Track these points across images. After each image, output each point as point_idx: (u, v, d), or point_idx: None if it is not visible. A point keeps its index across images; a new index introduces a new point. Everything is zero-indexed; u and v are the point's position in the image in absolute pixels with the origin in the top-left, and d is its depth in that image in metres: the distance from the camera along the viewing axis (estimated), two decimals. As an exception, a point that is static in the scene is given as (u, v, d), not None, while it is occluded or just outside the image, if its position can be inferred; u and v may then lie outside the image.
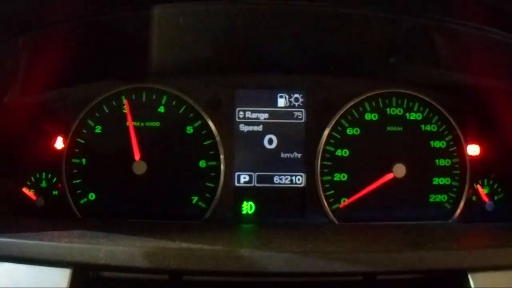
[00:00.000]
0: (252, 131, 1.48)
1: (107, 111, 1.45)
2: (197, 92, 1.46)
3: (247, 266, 0.94)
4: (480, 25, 1.20)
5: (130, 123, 1.43)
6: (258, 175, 1.46)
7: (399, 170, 1.43)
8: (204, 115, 1.45)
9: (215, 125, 1.45)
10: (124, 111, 1.45)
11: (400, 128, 1.47)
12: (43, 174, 1.44)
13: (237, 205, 1.45)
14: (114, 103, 1.45)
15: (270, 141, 1.48)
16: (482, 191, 1.48)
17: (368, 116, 1.48)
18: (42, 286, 0.94)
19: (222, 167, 1.44)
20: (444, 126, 1.48)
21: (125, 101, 1.45)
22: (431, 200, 1.46)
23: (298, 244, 1.03)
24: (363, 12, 1.24)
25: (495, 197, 1.48)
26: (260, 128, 1.48)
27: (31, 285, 0.94)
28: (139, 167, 1.40)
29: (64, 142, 1.44)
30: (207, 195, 1.44)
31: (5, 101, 1.33)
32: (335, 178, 1.46)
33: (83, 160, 1.43)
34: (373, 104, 1.48)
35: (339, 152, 1.47)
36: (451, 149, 1.48)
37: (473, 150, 1.49)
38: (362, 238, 1.22)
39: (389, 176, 1.43)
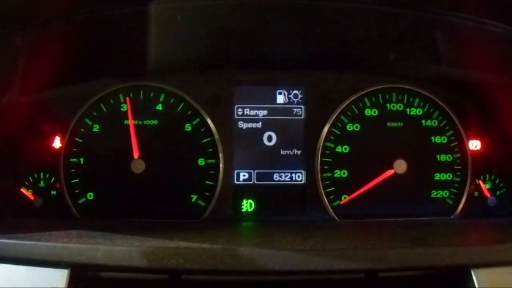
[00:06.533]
0: (251, 128, 1.47)
1: (104, 109, 1.44)
2: (195, 89, 1.45)
3: (247, 264, 0.94)
4: (480, 18, 1.19)
5: (130, 121, 1.42)
6: (257, 173, 1.45)
7: (400, 166, 1.42)
8: (203, 113, 1.44)
9: (213, 123, 1.44)
10: (122, 109, 1.44)
11: (400, 124, 1.46)
12: (41, 174, 1.43)
13: (237, 203, 1.45)
14: (111, 101, 1.44)
15: (270, 138, 1.47)
16: (484, 187, 1.47)
17: (368, 112, 1.47)
18: (40, 286, 0.93)
19: (221, 165, 1.43)
20: (445, 121, 1.47)
21: (126, 99, 1.44)
22: (432, 196, 1.46)
23: (298, 242, 1.02)
24: (362, 7, 1.23)
25: (497, 192, 1.47)
26: (259, 125, 1.47)
27: (29, 286, 0.93)
28: (138, 166, 1.39)
29: (61, 141, 1.43)
30: (206, 193, 1.43)
31: (3, 101, 1.32)
32: (335, 175, 1.45)
33: (81, 160, 1.42)
34: (373, 99, 1.47)
35: (339, 149, 1.46)
36: (452, 145, 1.47)
37: (474, 145, 1.48)
38: (363, 235, 1.21)
39: (390, 172, 1.42)
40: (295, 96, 1.48)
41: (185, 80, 1.46)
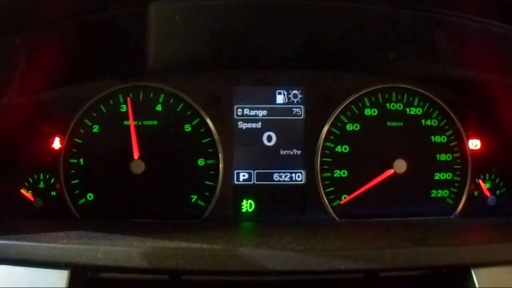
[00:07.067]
0: (250, 128, 1.47)
1: (104, 110, 1.44)
2: (195, 90, 1.45)
3: (247, 265, 0.93)
4: (480, 18, 1.19)
5: (131, 122, 1.42)
6: (257, 173, 1.45)
7: (400, 166, 1.42)
8: (202, 113, 1.44)
9: (213, 123, 1.44)
10: (121, 110, 1.44)
11: (400, 123, 1.46)
12: (41, 174, 1.43)
13: (237, 203, 1.45)
14: (111, 102, 1.44)
15: (269, 138, 1.47)
16: (484, 186, 1.47)
17: (367, 112, 1.47)
18: (40, 287, 0.93)
19: (221, 165, 1.43)
20: (444, 121, 1.47)
21: (127, 99, 1.43)
22: (432, 195, 1.45)
23: (298, 242, 1.01)
24: (362, 6, 1.23)
25: (497, 192, 1.47)
26: (258, 125, 1.47)
27: (29, 286, 0.93)
28: (138, 166, 1.39)
29: (61, 142, 1.43)
30: (206, 193, 1.43)
31: (2, 102, 1.32)
32: (335, 175, 1.45)
33: (81, 160, 1.42)
34: (373, 99, 1.47)
35: (339, 148, 1.46)
36: (452, 144, 1.47)
37: (474, 144, 1.48)
38: (363, 235, 1.21)
39: (390, 172, 1.42)
40: (295, 96, 1.48)
41: (185, 81, 1.46)
